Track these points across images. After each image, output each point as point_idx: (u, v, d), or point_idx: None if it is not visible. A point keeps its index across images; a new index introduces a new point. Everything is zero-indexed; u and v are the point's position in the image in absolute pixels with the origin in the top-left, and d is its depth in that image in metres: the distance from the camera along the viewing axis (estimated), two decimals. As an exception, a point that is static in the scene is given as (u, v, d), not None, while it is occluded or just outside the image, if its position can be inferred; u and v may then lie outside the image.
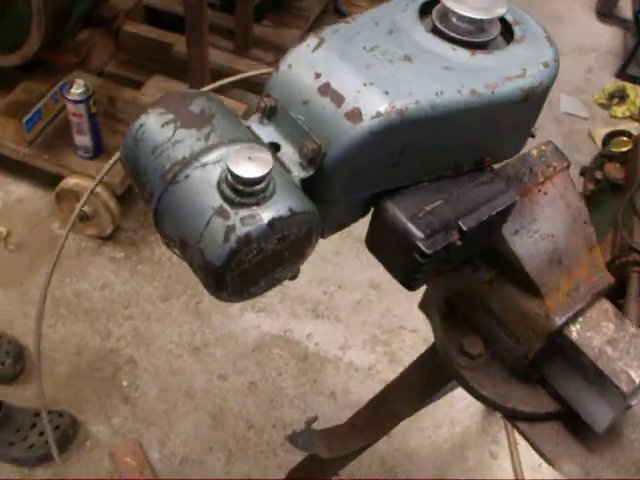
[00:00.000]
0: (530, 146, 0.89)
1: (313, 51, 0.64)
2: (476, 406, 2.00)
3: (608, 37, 3.31)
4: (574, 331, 0.87)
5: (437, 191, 0.69)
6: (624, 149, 2.00)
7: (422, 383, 1.09)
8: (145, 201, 0.63)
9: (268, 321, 2.11)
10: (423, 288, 1.03)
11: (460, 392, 1.98)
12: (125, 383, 1.92)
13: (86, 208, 2.08)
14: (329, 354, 2.06)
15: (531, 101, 0.66)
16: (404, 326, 2.14)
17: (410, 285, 0.70)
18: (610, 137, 2.23)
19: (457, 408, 1.99)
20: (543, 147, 0.91)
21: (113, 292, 2.11)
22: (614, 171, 1.93)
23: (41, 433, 1.72)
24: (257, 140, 0.63)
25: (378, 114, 0.60)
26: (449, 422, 1.97)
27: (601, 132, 2.63)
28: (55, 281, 2.09)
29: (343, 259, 2.27)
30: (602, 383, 0.86)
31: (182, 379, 1.95)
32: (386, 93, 0.61)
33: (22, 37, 1.97)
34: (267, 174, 0.55)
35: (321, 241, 2.25)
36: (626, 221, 1.75)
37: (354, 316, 2.16)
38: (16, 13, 1.93)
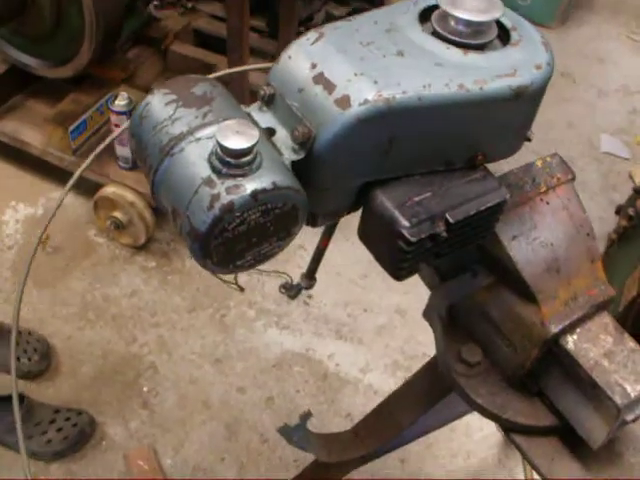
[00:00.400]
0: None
1: (312, 44, 0.68)
2: (494, 438, 1.97)
3: (655, 80, 3.29)
4: (570, 341, 0.87)
5: (428, 184, 0.71)
6: (658, 186, 1.98)
7: (423, 392, 1.10)
8: (146, 175, 0.67)
9: (291, 338, 2.13)
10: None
11: (478, 422, 1.97)
12: (145, 389, 1.96)
13: (122, 217, 2.15)
14: (349, 375, 2.06)
15: (522, 100, 0.68)
16: (427, 353, 2.13)
17: (397, 275, 0.72)
18: (647, 176, 2.21)
19: (474, 439, 1.96)
20: (548, 158, 0.92)
21: (141, 300, 2.16)
22: (646, 207, 1.91)
23: (59, 429, 1.76)
24: (254, 123, 0.67)
25: (366, 101, 0.63)
26: (465, 452, 1.94)
27: (642, 173, 2.61)
28: (86, 285, 2.16)
29: (370, 282, 2.28)
30: (597, 396, 0.85)
31: (201, 389, 1.98)
32: (375, 82, 0.64)
33: (74, 50, 2.08)
34: (252, 146, 0.58)
35: (349, 263, 2.27)
36: (654, 256, 1.72)
37: (377, 340, 2.16)
38: (70, 27, 2.04)
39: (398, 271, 0.71)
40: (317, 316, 2.18)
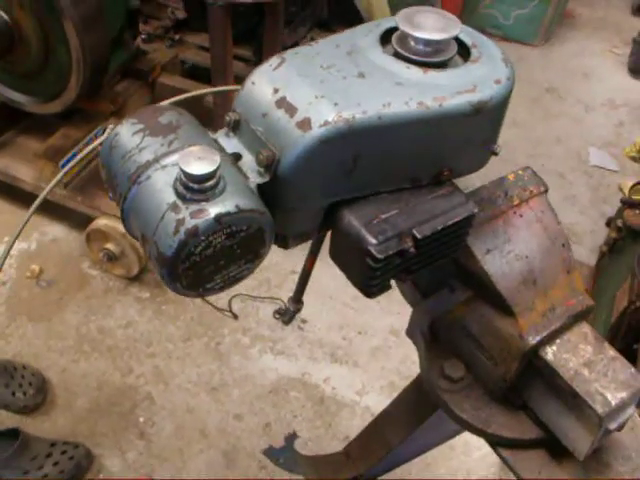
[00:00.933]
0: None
1: (274, 69, 0.70)
2: (493, 456, 1.95)
3: (640, 93, 3.32)
4: (550, 352, 0.87)
5: (394, 202, 0.72)
6: (644, 196, 2.00)
7: (411, 410, 1.10)
8: (117, 204, 0.68)
9: (286, 364, 2.13)
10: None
11: (476, 441, 1.95)
12: (142, 419, 1.95)
13: (114, 248, 2.16)
14: (346, 398, 2.06)
15: (483, 115, 0.70)
16: (423, 372, 2.12)
17: (368, 292, 0.73)
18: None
19: (473, 457, 1.95)
20: (520, 172, 0.94)
21: (136, 331, 2.16)
22: (632, 218, 1.92)
23: (56, 463, 1.75)
24: (220, 149, 0.68)
25: (326, 122, 0.64)
26: (465, 471, 1.93)
27: (631, 184, 2.62)
28: (81, 318, 2.17)
29: (363, 305, 2.28)
30: (578, 406, 0.85)
31: (198, 417, 1.97)
32: (335, 104, 0.65)
33: (62, 86, 2.11)
34: (214, 171, 0.59)
35: (341, 286, 2.29)
36: (643, 266, 1.73)
37: (372, 361, 2.16)
38: (57, 63, 2.07)
39: (368, 288, 0.72)
40: (312, 340, 2.18)
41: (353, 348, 2.18)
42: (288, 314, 2.14)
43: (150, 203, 0.62)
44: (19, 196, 2.38)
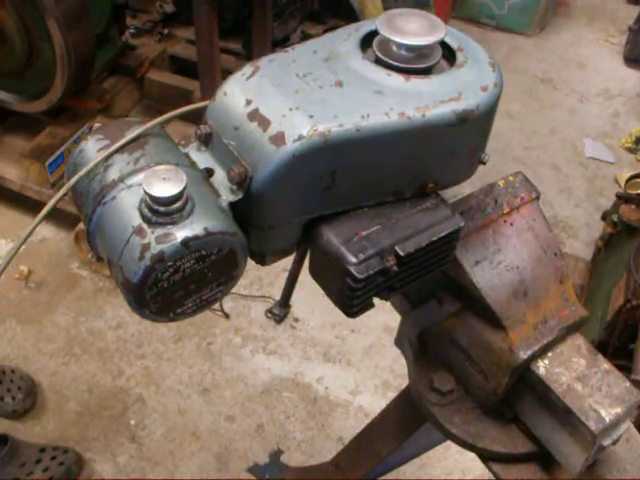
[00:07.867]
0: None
1: (247, 79, 0.66)
2: (490, 455, 1.93)
3: (635, 82, 3.27)
4: (542, 366, 0.84)
5: (376, 217, 0.68)
6: (640, 191, 1.96)
7: (400, 421, 1.07)
8: (84, 224, 0.65)
9: (279, 364, 2.10)
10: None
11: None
12: (133, 422, 1.93)
13: (103, 248, 2.13)
14: (339, 398, 2.03)
15: (468, 125, 0.66)
16: (417, 371, 2.09)
17: (349, 312, 0.69)
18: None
19: (469, 456, 1.91)
20: (511, 178, 0.90)
21: (127, 332, 2.13)
22: (629, 213, 1.89)
23: (45, 469, 1.73)
24: (191, 165, 0.65)
25: (300, 137, 0.60)
26: (460, 471, 1.91)
27: (627, 176, 2.58)
28: (70, 320, 2.13)
29: (357, 302, 2.25)
30: (571, 422, 0.82)
31: (190, 419, 1.95)
32: (310, 117, 0.61)
33: (47, 84, 2.07)
34: (180, 193, 0.56)
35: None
36: (639, 263, 1.69)
37: (366, 360, 2.13)
38: (42, 61, 2.03)
39: (349, 308, 0.68)
40: (304, 339, 2.15)
41: (346, 347, 2.15)
42: (280, 313, 2.12)
43: (115, 226, 0.59)
44: (7, 196, 2.35)
